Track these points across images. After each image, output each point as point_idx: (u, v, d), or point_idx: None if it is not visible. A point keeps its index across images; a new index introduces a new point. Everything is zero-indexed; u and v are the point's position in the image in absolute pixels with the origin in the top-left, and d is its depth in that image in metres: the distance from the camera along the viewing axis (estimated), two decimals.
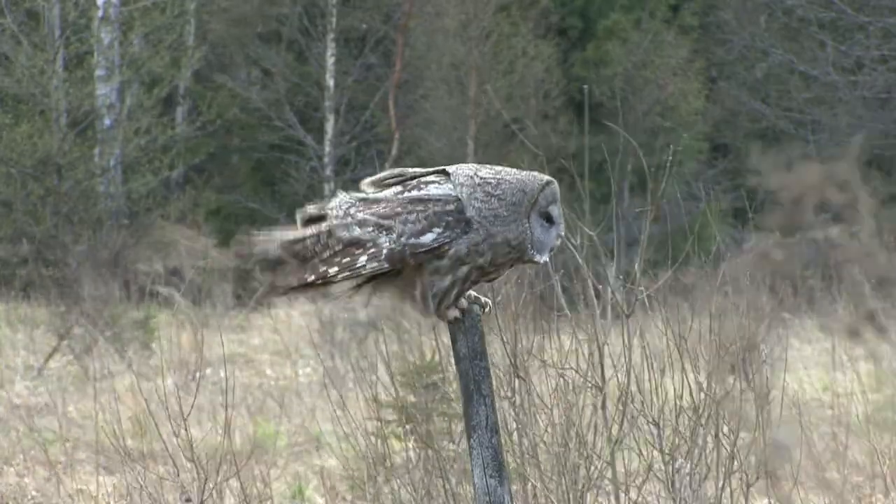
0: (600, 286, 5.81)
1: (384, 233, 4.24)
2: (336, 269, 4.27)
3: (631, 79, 24.11)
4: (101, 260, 19.35)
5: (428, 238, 4.21)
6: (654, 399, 5.85)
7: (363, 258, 4.25)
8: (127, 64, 22.79)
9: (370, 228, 4.25)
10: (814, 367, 14.13)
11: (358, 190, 4.41)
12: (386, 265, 4.24)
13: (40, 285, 18.40)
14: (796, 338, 16.05)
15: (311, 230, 4.33)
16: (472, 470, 4.34)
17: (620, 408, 5.76)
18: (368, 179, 4.40)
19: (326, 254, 4.29)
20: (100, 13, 22.82)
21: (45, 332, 16.79)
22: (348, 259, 4.27)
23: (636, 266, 5.83)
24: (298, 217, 4.42)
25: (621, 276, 5.99)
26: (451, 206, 4.22)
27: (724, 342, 5.95)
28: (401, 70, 24.47)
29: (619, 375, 5.81)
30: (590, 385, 5.75)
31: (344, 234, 4.28)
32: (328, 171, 24.62)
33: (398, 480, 6.08)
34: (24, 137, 21.10)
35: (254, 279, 4.49)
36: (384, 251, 4.24)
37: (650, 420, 5.76)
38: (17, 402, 13.19)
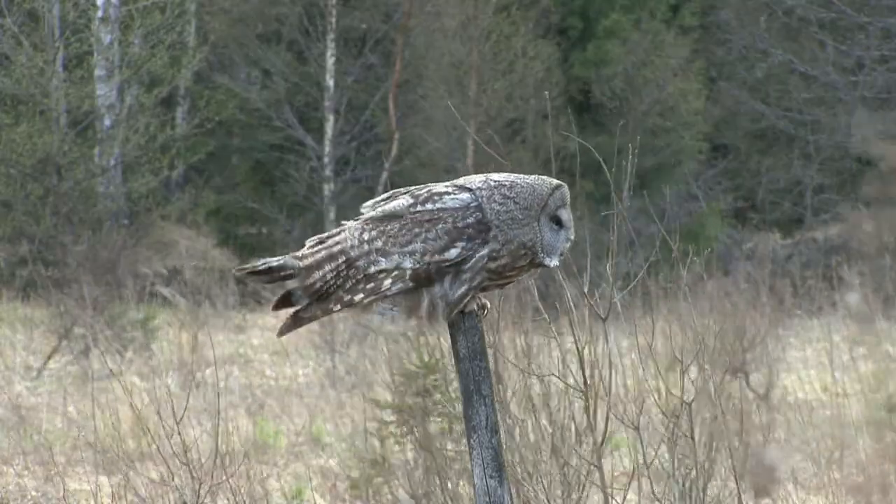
0: (577, 290, 5.79)
1: (407, 256, 4.24)
2: (361, 295, 4.29)
3: (631, 79, 24.10)
4: (101, 260, 19.34)
5: (453, 253, 4.22)
6: (634, 402, 5.83)
7: (388, 281, 4.26)
8: (127, 64, 22.79)
9: (395, 257, 4.25)
10: (814, 368, 14.14)
11: (360, 210, 4.41)
12: (411, 284, 4.25)
13: (40, 285, 18.39)
14: (796, 338, 16.06)
15: (328, 266, 4.31)
16: (472, 470, 4.34)
17: (599, 411, 5.75)
18: (368, 203, 4.40)
19: (349, 285, 4.30)
20: (99, 13, 22.82)
21: (45, 332, 16.80)
22: (373, 284, 4.28)
23: (607, 269, 5.81)
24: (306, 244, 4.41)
25: (620, 278, 5.99)
26: (470, 219, 4.23)
27: (710, 343, 5.93)
28: (401, 70, 24.47)
29: (600, 378, 5.80)
30: (574, 389, 5.74)
31: (370, 269, 4.28)
32: (328, 171, 24.62)
33: (397, 481, 6.08)
34: (24, 137, 21.10)
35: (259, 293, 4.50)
36: (408, 273, 4.25)
37: (631, 424, 5.75)
38: (17, 403, 13.19)
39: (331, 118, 24.75)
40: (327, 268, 4.31)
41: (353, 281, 4.29)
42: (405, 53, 24.58)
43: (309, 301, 4.35)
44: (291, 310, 4.39)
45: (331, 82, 24.73)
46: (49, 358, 15.38)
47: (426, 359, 7.47)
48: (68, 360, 15.49)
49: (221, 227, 24.70)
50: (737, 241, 24.17)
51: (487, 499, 4.30)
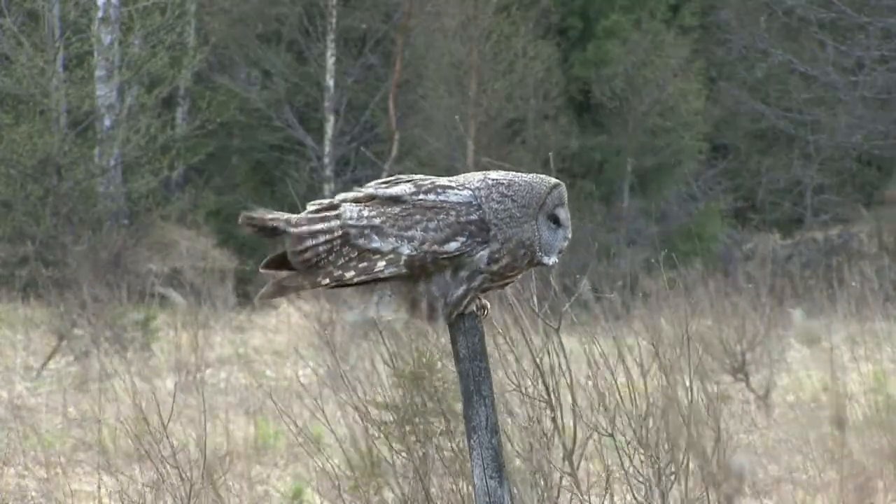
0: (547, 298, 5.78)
1: (405, 241, 4.23)
2: (353, 273, 4.26)
3: (631, 79, 24.10)
4: (101, 260, 19.35)
5: (452, 246, 4.21)
6: (606, 408, 5.81)
7: (381, 263, 4.24)
8: (127, 64, 22.80)
9: (392, 239, 4.24)
10: (813, 368, 14.13)
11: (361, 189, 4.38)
12: (404, 271, 4.24)
13: (40, 286, 18.39)
14: (796, 338, 16.05)
15: (322, 237, 4.28)
16: (472, 470, 4.34)
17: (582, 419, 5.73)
18: (371, 183, 4.38)
19: (341, 261, 4.28)
20: (100, 13, 22.82)
21: (45, 332, 16.80)
22: (366, 264, 4.26)
23: (583, 282, 5.81)
24: (309, 207, 4.38)
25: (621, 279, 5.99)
26: (473, 216, 4.23)
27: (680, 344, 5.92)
28: (401, 70, 24.47)
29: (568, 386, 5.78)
30: (540, 401, 5.73)
31: (362, 243, 4.26)
32: (328, 172, 24.63)
33: (396, 481, 6.08)
34: (24, 138, 21.10)
35: (258, 274, 4.44)
36: (403, 258, 4.24)
37: (604, 431, 5.73)
38: (17, 403, 13.19)
39: (331, 118, 24.75)
40: (321, 238, 4.29)
41: (346, 258, 4.27)
42: (405, 53, 24.59)
43: (297, 271, 4.32)
44: (279, 274, 4.33)
45: (331, 82, 24.73)
46: (49, 358, 15.38)
47: (422, 359, 7.46)
48: (68, 361, 15.49)
49: (221, 227, 24.69)
50: (737, 242, 24.18)
51: (487, 499, 4.30)
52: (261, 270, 4.39)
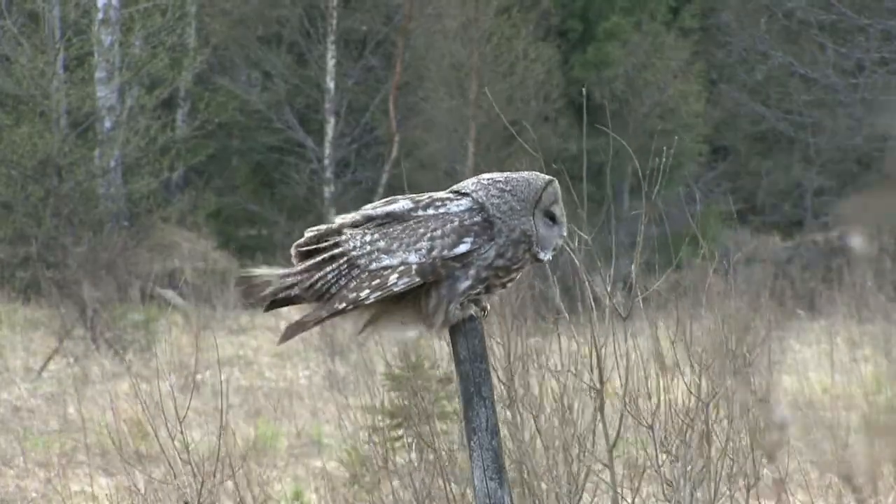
0: (598, 289, 5.81)
1: (412, 252, 4.26)
2: (367, 291, 4.30)
3: (631, 81, 24.10)
4: (102, 262, 19.34)
5: (462, 248, 4.26)
6: (648, 401, 5.83)
7: (394, 276, 4.27)
8: (127, 65, 22.79)
9: (400, 253, 4.27)
10: (814, 369, 14.13)
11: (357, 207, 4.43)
12: (417, 279, 4.27)
13: (41, 287, 18.39)
14: (797, 340, 16.05)
15: (328, 267, 4.32)
16: (473, 472, 4.34)
17: (618, 410, 5.76)
18: (367, 206, 4.41)
19: (353, 283, 4.30)
20: (100, 14, 22.82)
21: (45, 334, 16.79)
22: (378, 280, 4.29)
23: (632, 269, 5.84)
24: (294, 251, 4.41)
25: (620, 280, 5.99)
26: (476, 218, 4.26)
27: (720, 343, 5.94)
28: (401, 72, 24.47)
29: (618, 377, 5.80)
30: (588, 387, 5.75)
31: (371, 266, 4.29)
32: (328, 174, 24.62)
33: (396, 482, 6.08)
34: (25, 139, 21.09)
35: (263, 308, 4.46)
36: (414, 266, 4.26)
37: (644, 423, 5.75)
38: (17, 405, 13.19)
39: (331, 120, 24.74)
40: (327, 269, 4.33)
41: (358, 280, 4.30)
42: (406, 55, 24.58)
43: (311, 302, 4.36)
44: (285, 309, 4.39)
45: (331, 84, 24.73)
46: (49, 359, 15.37)
47: (412, 359, 7.46)
48: (68, 362, 15.49)
49: (222, 229, 24.70)
50: (737, 244, 24.17)
51: (488, 500, 4.30)
52: (265, 313, 4.44)
